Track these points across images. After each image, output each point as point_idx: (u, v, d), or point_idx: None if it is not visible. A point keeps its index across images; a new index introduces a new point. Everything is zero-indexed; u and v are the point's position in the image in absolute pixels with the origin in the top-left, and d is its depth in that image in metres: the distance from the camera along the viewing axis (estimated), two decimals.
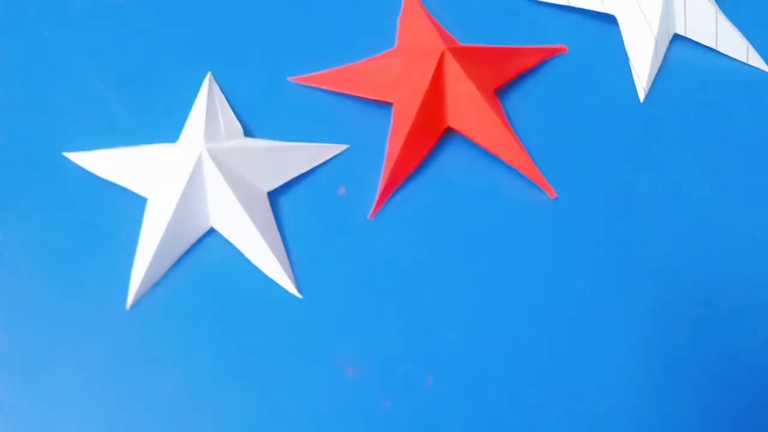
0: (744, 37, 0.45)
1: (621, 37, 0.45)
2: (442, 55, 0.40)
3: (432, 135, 0.41)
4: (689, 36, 0.45)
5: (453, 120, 0.41)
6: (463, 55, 0.40)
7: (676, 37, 0.45)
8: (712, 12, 0.44)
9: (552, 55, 0.44)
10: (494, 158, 0.40)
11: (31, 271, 0.37)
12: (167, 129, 0.40)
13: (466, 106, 0.40)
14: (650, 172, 0.41)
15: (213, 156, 0.36)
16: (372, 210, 0.39)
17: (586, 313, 0.38)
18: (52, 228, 0.38)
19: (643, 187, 0.41)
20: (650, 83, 0.44)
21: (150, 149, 0.38)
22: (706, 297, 0.38)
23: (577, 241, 0.39)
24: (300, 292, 0.37)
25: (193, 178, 0.35)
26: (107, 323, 0.36)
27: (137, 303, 0.36)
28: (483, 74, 0.41)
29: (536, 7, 0.46)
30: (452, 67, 0.40)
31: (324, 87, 0.42)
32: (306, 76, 0.43)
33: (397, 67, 0.41)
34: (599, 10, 0.46)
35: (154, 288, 0.36)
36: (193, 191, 0.36)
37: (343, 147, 0.40)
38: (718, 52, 0.45)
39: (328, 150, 0.40)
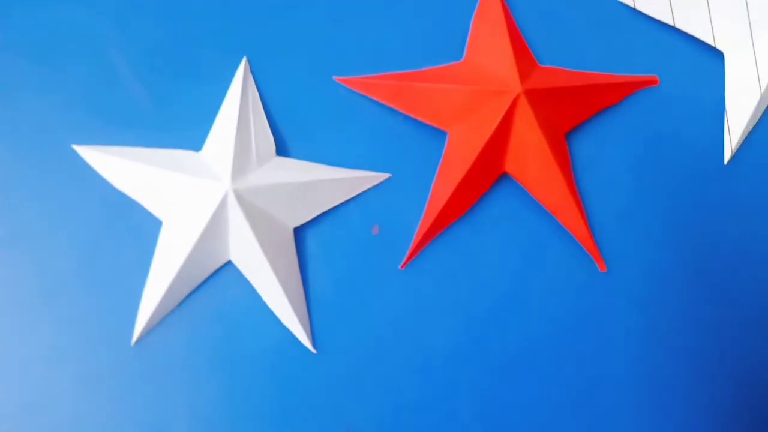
0: None
1: (724, 79, 0.39)
2: (516, 98, 0.34)
3: (486, 181, 0.36)
4: None
5: (512, 166, 0.36)
6: (540, 98, 0.35)
7: None
8: None
9: (640, 88, 0.39)
10: (548, 213, 0.36)
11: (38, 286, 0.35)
12: (193, 121, 0.36)
13: (531, 156, 0.35)
14: (713, 255, 0.37)
15: (239, 197, 0.32)
16: (404, 259, 0.36)
17: (617, 397, 0.36)
18: (59, 237, 0.35)
19: (705, 272, 0.37)
20: (741, 142, 0.38)
21: (169, 157, 0.34)
22: None
23: (620, 324, 0.37)
24: (316, 345, 0.35)
25: (216, 217, 0.32)
26: (110, 358, 0.34)
27: (143, 338, 0.34)
28: (557, 118, 0.36)
29: (636, 21, 0.39)
30: (524, 112, 0.34)
31: (372, 96, 0.37)
32: (354, 78, 0.37)
33: (461, 97, 0.35)
34: (707, 41, 0.39)
35: (161, 322, 0.34)
36: (214, 228, 0.32)
37: (384, 176, 0.36)
38: None
39: (367, 180, 0.36)
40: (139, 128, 0.36)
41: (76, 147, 0.35)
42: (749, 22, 0.38)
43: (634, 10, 0.39)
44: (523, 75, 0.35)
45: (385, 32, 0.38)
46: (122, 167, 0.34)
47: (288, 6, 0.38)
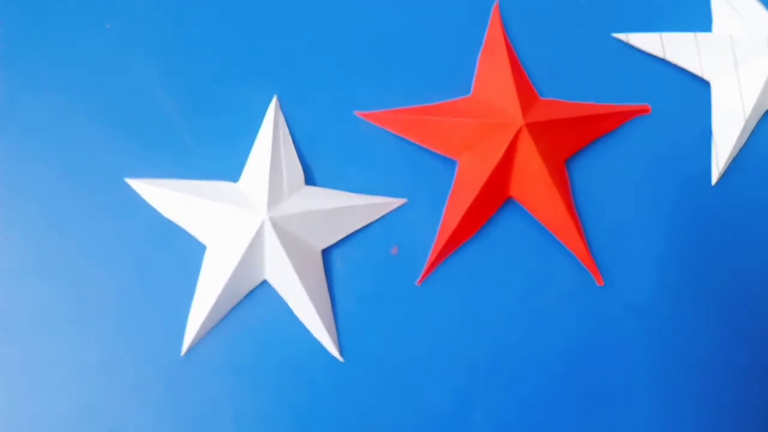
0: None
1: (711, 107, 0.43)
2: (519, 131, 0.38)
3: (493, 205, 0.40)
4: None
5: (516, 191, 0.40)
6: (540, 129, 0.39)
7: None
8: None
9: (633, 116, 0.42)
10: (549, 233, 0.40)
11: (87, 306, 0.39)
12: (231, 155, 0.40)
13: (533, 182, 0.39)
14: (703, 272, 0.41)
15: (275, 224, 0.36)
16: (420, 276, 0.40)
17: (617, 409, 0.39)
18: (116, 260, 0.39)
19: (694, 288, 0.40)
20: (728, 165, 0.42)
21: (212, 189, 0.38)
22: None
23: (621, 332, 0.40)
24: (343, 353, 0.39)
25: (254, 243, 0.36)
26: (161, 368, 0.38)
27: (191, 349, 0.38)
28: (557, 146, 0.40)
29: (630, 55, 0.42)
30: (526, 142, 0.38)
31: (390, 129, 0.41)
32: (373, 112, 0.41)
33: (469, 130, 0.39)
34: (695, 72, 0.42)
35: (206, 335, 0.38)
36: (252, 252, 0.37)
37: (401, 201, 0.40)
38: None
39: (386, 206, 0.40)
40: (182, 161, 0.40)
41: (128, 180, 0.39)
42: (733, 54, 0.42)
43: (627, 45, 0.43)
44: (525, 109, 0.39)
45: (401, 70, 0.41)
46: (169, 198, 0.38)
47: (314, 48, 0.41)
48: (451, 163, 0.40)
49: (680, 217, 0.41)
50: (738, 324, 0.40)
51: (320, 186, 0.40)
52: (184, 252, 0.39)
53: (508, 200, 0.40)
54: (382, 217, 0.40)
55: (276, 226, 0.36)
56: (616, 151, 0.42)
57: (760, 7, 0.41)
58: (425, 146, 0.40)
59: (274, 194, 0.37)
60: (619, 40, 0.43)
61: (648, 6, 0.43)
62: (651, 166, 0.42)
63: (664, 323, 0.40)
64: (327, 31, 0.42)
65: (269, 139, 0.38)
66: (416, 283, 0.40)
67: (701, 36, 0.42)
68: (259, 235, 0.36)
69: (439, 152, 0.40)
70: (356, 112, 0.41)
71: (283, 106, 0.41)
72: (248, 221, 0.36)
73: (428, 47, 0.42)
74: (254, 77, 0.41)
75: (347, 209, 0.38)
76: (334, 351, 0.38)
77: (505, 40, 0.41)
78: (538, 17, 0.43)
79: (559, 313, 0.40)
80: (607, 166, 0.42)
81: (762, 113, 0.42)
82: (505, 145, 0.38)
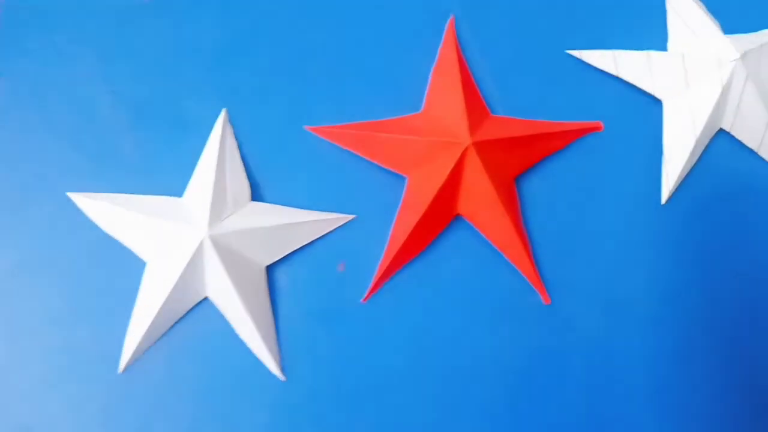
0: None
1: (662, 126, 0.43)
2: (466, 150, 0.38)
3: (441, 223, 0.40)
4: (733, 134, 0.42)
5: (464, 209, 0.40)
6: (488, 148, 0.38)
7: (719, 131, 0.42)
8: (765, 119, 0.41)
9: (585, 134, 0.42)
10: (497, 251, 0.40)
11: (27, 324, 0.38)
12: (178, 169, 0.40)
13: (480, 200, 0.39)
14: (650, 292, 0.41)
15: (215, 242, 0.36)
16: (366, 293, 0.39)
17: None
18: (54, 274, 0.39)
19: (638, 308, 0.40)
20: (677, 185, 0.42)
21: (154, 204, 0.37)
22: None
23: (567, 350, 0.40)
24: (285, 372, 0.39)
25: (193, 260, 0.36)
26: (99, 385, 0.38)
27: (129, 366, 0.38)
28: (505, 164, 0.40)
29: (583, 71, 0.42)
30: (473, 161, 0.38)
31: (339, 144, 0.41)
32: (323, 127, 0.41)
33: (418, 147, 0.39)
34: (647, 90, 0.42)
35: (145, 352, 0.38)
36: (192, 269, 0.36)
37: (349, 217, 0.40)
38: (759, 156, 0.43)
39: (334, 222, 0.39)
40: (127, 175, 0.40)
41: (70, 194, 0.39)
42: (685, 73, 0.42)
43: (581, 61, 0.43)
44: (473, 127, 0.38)
45: (353, 84, 0.41)
46: (109, 212, 0.37)
47: (265, 61, 0.41)
48: (401, 179, 0.40)
49: (629, 236, 0.41)
50: (682, 344, 0.40)
51: (268, 201, 0.39)
52: (124, 268, 0.38)
53: (457, 217, 0.40)
54: (330, 232, 0.39)
55: (216, 243, 0.36)
56: (568, 168, 0.42)
57: (713, 25, 0.41)
58: (375, 162, 0.40)
59: (217, 211, 0.36)
60: (574, 57, 0.42)
61: (605, 23, 0.43)
62: (602, 184, 0.42)
63: (608, 342, 0.40)
64: (278, 44, 0.42)
65: (215, 153, 0.38)
66: (362, 300, 0.39)
67: (654, 54, 0.42)
68: (198, 252, 0.36)
69: (388, 168, 0.40)
70: (306, 127, 0.41)
71: (232, 120, 0.40)
72: (188, 238, 0.36)
73: (381, 61, 0.42)
74: (204, 90, 0.41)
75: (293, 226, 0.38)
76: (275, 369, 0.38)
77: (459, 55, 0.41)
78: (493, 32, 0.43)
79: (506, 331, 0.40)
80: (558, 184, 0.42)
81: (713, 133, 0.42)
82: (452, 164, 0.38)
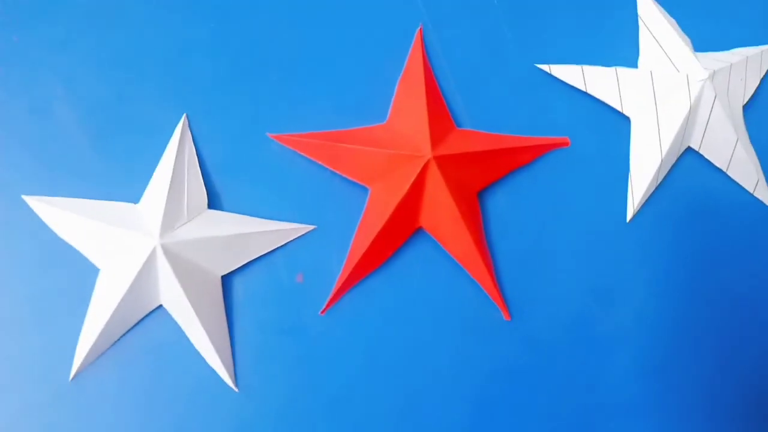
0: (760, 170, 0.42)
1: (629, 143, 0.42)
2: (427, 163, 0.37)
3: (402, 235, 0.39)
4: (701, 152, 0.42)
5: (426, 222, 0.39)
6: (450, 162, 0.38)
7: (688, 150, 0.42)
8: (733, 139, 0.41)
9: (552, 149, 0.42)
10: (458, 265, 0.40)
11: None
12: (136, 175, 0.39)
13: (441, 214, 0.39)
14: (612, 310, 0.40)
15: (167, 250, 0.35)
16: (324, 306, 0.39)
17: None
18: (4, 279, 0.38)
19: (600, 326, 0.40)
20: (643, 203, 0.42)
21: (109, 210, 0.37)
22: None
23: (528, 367, 0.39)
24: (238, 383, 0.38)
25: (145, 268, 0.35)
26: (49, 393, 0.37)
27: (79, 373, 0.37)
28: (468, 179, 0.39)
29: (552, 86, 0.42)
30: (434, 175, 0.38)
31: (302, 152, 0.40)
32: (286, 135, 0.40)
33: (379, 160, 0.38)
34: (615, 106, 0.42)
35: (96, 360, 0.37)
36: (144, 277, 0.36)
37: (309, 228, 0.39)
38: (726, 174, 0.42)
39: (293, 232, 0.39)
40: (84, 180, 0.39)
41: (25, 197, 0.38)
42: (653, 92, 0.41)
43: (550, 75, 0.43)
44: (436, 141, 0.38)
45: (317, 92, 0.41)
46: (63, 217, 0.37)
47: (227, 66, 0.41)
48: (364, 190, 0.40)
49: (592, 254, 0.41)
50: (644, 362, 0.40)
51: (227, 209, 0.39)
52: (78, 274, 0.38)
53: (419, 230, 0.40)
54: (289, 242, 0.39)
55: (168, 252, 0.35)
56: (533, 183, 0.41)
57: (683, 44, 0.41)
58: (338, 172, 0.39)
59: (170, 218, 0.36)
60: (544, 71, 0.42)
61: (577, 37, 0.43)
62: (567, 200, 0.41)
63: (570, 359, 0.40)
64: (242, 48, 0.41)
65: (172, 159, 0.37)
66: (320, 313, 0.39)
67: (622, 71, 0.42)
68: (150, 260, 0.35)
69: (351, 179, 0.39)
70: (269, 134, 0.40)
71: (193, 125, 0.40)
72: (140, 246, 0.35)
73: (347, 69, 0.41)
74: (164, 95, 0.40)
75: (250, 235, 0.37)
76: (228, 380, 0.37)
77: (426, 66, 0.41)
78: (462, 43, 0.42)
79: (466, 346, 0.40)
80: (522, 199, 0.41)
81: (681, 152, 0.42)
82: (413, 177, 0.37)
